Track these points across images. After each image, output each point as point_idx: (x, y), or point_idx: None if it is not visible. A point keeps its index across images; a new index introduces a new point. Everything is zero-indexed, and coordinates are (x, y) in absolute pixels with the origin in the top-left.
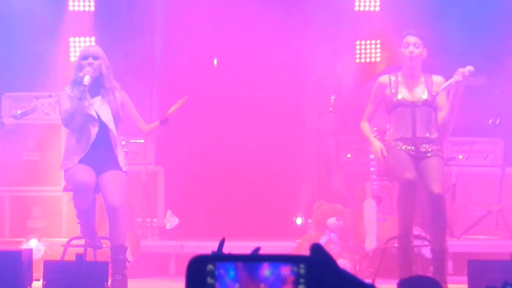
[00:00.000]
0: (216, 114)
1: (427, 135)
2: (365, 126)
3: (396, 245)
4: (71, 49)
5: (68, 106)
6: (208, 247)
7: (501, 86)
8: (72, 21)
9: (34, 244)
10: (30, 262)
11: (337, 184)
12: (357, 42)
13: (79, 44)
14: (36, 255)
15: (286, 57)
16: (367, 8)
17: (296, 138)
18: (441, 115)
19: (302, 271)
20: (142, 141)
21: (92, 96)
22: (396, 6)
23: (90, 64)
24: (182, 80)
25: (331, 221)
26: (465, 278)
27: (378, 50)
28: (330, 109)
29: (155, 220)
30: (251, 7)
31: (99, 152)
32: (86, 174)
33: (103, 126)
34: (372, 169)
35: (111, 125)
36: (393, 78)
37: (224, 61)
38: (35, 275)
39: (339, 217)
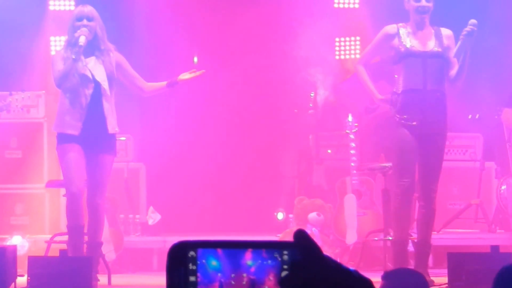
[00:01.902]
0: (195, 110)
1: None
2: (361, 69)
3: (376, 238)
4: (52, 48)
5: (62, 67)
6: None
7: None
8: (53, 20)
9: (18, 241)
10: (15, 258)
11: (317, 179)
12: (336, 39)
13: (60, 44)
14: (20, 251)
15: (265, 54)
16: (346, 6)
17: (276, 134)
18: (453, 71)
19: (285, 257)
20: (124, 138)
21: (86, 57)
22: (375, 3)
23: (85, 26)
24: (162, 77)
25: (312, 215)
26: (445, 271)
27: (358, 47)
28: (310, 105)
29: (137, 216)
30: (230, 6)
31: (92, 122)
32: (76, 179)
33: (97, 86)
34: (352, 164)
35: (105, 84)
36: (402, 28)
37: (204, 59)
38: (19, 271)
39: (320, 212)
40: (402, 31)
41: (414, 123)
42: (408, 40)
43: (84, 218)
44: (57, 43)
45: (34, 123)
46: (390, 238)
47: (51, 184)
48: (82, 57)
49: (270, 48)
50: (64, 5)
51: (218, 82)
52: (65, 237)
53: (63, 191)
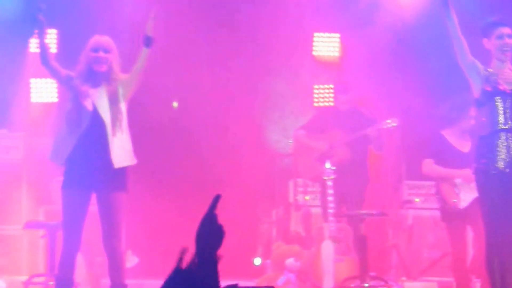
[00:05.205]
0: (175, 154)
1: None
2: None
3: (352, 285)
4: (32, 90)
5: (58, 74)
6: None
7: None
8: (34, 62)
9: None
10: None
11: (295, 225)
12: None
13: (40, 85)
14: None
15: (245, 102)
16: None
17: (255, 179)
18: None
19: None
20: None
21: (94, 87)
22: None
23: (100, 57)
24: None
25: (290, 261)
26: None
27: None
28: (289, 151)
29: (125, 263)
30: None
31: (96, 157)
32: (74, 231)
33: (99, 119)
34: (330, 210)
35: (106, 117)
36: (484, 70)
37: (184, 103)
38: None
39: (297, 257)
40: (487, 72)
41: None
42: (496, 79)
43: (76, 271)
44: (37, 84)
45: (13, 164)
46: (367, 285)
47: (29, 225)
48: (91, 91)
49: (249, 90)
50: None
51: (199, 123)
52: (43, 279)
53: (41, 232)
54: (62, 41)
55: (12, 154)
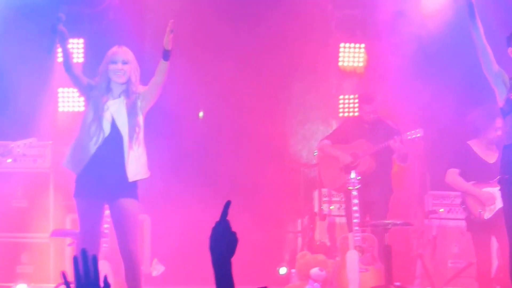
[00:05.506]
0: (200, 163)
1: None
2: None
3: None
4: (60, 99)
5: (80, 83)
6: None
7: None
8: (61, 72)
9: None
10: None
11: (320, 235)
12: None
13: (67, 95)
14: None
15: (271, 111)
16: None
17: (280, 189)
18: None
19: None
20: None
21: (112, 99)
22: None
23: (119, 70)
24: (167, 133)
25: (314, 271)
26: None
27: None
28: (314, 162)
29: (142, 267)
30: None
31: (111, 168)
32: (89, 236)
33: (116, 131)
34: (355, 220)
35: (124, 130)
36: (510, 80)
37: (210, 113)
38: None
39: (322, 267)
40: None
41: None
42: None
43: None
44: (64, 94)
45: (40, 173)
46: None
47: (56, 233)
48: (110, 102)
49: (275, 107)
50: (73, 57)
51: (224, 136)
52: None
53: (68, 240)
54: (89, 50)
55: (39, 162)
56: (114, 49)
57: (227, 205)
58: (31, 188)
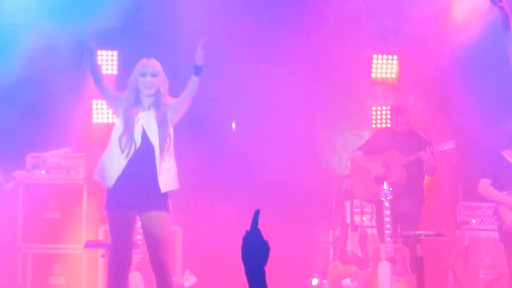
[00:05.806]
0: (232, 174)
1: None
2: None
3: None
4: (94, 111)
5: (109, 96)
6: None
7: None
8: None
9: None
10: None
11: (352, 246)
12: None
13: (101, 106)
14: None
15: (302, 122)
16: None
17: (313, 200)
18: None
19: None
20: None
21: (142, 111)
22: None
23: (148, 82)
24: (198, 144)
25: (346, 282)
26: None
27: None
28: (346, 172)
29: (173, 278)
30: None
31: (142, 179)
32: (122, 246)
33: (148, 143)
34: (386, 231)
35: (155, 141)
36: None
37: (242, 123)
38: None
39: (354, 278)
40: None
41: None
42: None
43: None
44: (98, 105)
45: (73, 184)
46: None
47: (89, 244)
48: (140, 115)
49: (307, 116)
50: (107, 69)
51: (257, 149)
52: None
53: (101, 251)
54: (122, 62)
55: (73, 174)
56: (143, 61)
57: (257, 214)
58: (64, 199)
